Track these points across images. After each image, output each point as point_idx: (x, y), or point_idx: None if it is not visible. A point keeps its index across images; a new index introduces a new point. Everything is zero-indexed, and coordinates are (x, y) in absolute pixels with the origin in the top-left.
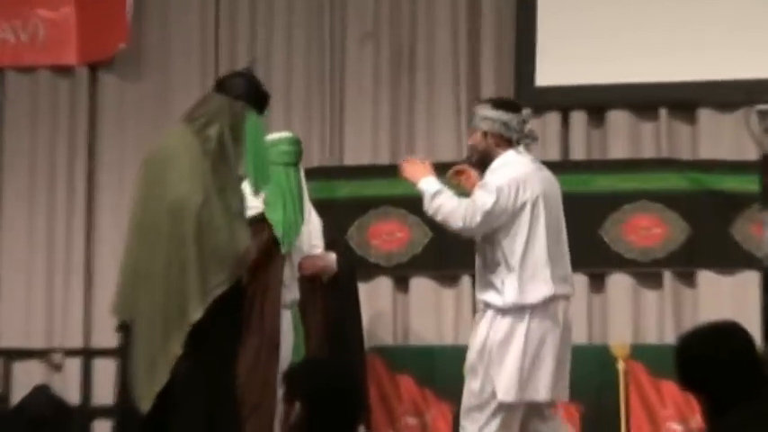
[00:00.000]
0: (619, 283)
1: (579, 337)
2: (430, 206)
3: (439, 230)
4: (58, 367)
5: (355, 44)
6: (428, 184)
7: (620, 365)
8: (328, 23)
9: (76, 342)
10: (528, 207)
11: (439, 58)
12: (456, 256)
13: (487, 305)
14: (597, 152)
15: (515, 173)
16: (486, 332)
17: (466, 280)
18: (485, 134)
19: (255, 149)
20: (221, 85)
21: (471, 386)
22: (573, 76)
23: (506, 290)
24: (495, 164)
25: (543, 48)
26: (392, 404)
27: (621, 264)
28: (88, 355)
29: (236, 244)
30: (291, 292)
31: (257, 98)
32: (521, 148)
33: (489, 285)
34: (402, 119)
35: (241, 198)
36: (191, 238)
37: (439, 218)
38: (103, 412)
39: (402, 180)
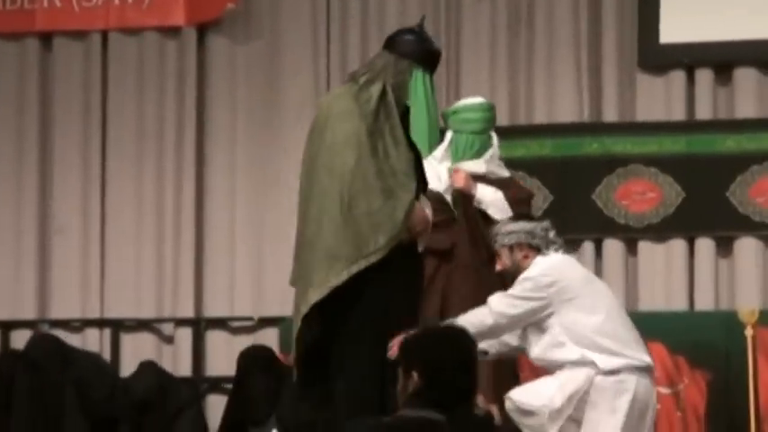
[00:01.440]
0: (747, 246)
1: (706, 303)
2: None
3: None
4: (168, 339)
5: (472, 1)
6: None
7: (749, 331)
8: None
9: (187, 312)
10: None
11: (558, 17)
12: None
13: None
14: (724, 112)
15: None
16: None
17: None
18: (511, 249)
19: (425, 108)
20: (389, 43)
21: None
22: (698, 32)
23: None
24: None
25: (667, 3)
26: None
27: (751, 227)
28: (199, 325)
29: (394, 209)
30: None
31: (426, 56)
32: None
33: None
34: (521, 80)
35: (408, 159)
36: (341, 203)
37: None
38: (216, 383)
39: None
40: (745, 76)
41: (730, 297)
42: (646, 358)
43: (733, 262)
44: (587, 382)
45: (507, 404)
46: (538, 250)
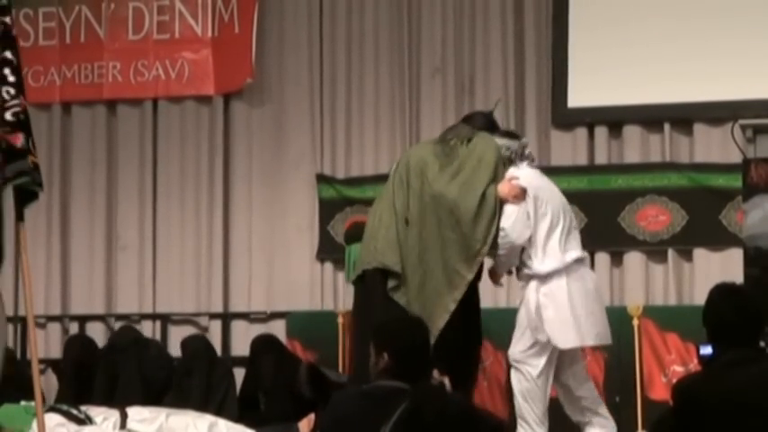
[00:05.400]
0: (633, 258)
1: (603, 300)
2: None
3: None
4: (204, 328)
5: (428, 76)
6: None
7: (635, 322)
8: (407, 60)
9: (218, 308)
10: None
11: (492, 87)
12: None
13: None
14: (616, 158)
15: (526, 181)
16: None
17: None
18: None
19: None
20: (468, 118)
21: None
22: (597, 99)
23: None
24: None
25: (573, 78)
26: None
27: (635, 244)
28: (226, 318)
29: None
30: None
31: (493, 132)
32: (523, 165)
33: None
34: None
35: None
36: (453, 226)
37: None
38: (238, 362)
39: None
40: (631, 132)
41: (621, 296)
42: None
43: (623, 270)
44: None
45: None
46: (511, 162)
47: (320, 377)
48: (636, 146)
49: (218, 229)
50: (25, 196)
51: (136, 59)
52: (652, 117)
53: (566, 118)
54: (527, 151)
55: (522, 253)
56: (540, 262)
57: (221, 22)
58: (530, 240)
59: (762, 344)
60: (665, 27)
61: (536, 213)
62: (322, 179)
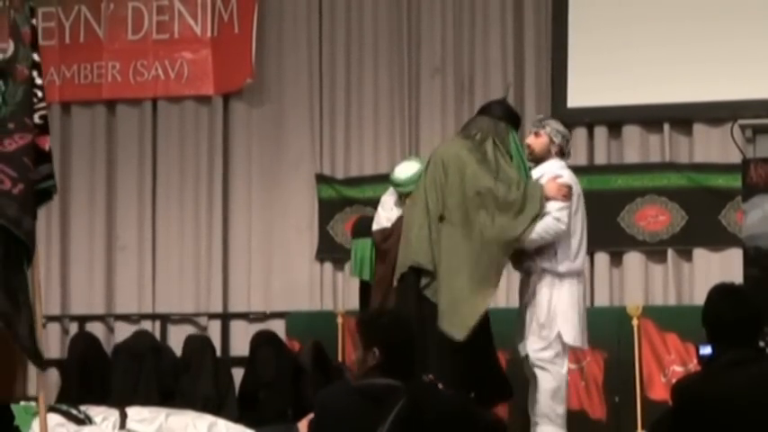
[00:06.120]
0: (633, 258)
1: (603, 300)
2: (544, 237)
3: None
4: (203, 328)
5: (427, 76)
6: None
7: (635, 322)
8: (406, 61)
9: (217, 308)
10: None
11: (492, 87)
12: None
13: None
14: (615, 158)
15: (570, 181)
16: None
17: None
18: (552, 141)
19: (520, 157)
20: (485, 109)
21: None
22: (596, 99)
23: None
24: (554, 167)
25: (572, 79)
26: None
27: (635, 244)
28: (226, 317)
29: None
30: None
31: (513, 119)
32: (567, 160)
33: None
34: None
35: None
36: (492, 217)
37: (551, 234)
38: (237, 361)
39: None
40: (631, 132)
41: (621, 296)
42: None
43: (622, 270)
44: None
45: None
46: (563, 155)
47: (324, 355)
48: (635, 146)
49: (217, 230)
50: (40, 197)
51: (135, 59)
52: (651, 117)
53: (565, 118)
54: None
55: (546, 248)
56: (562, 261)
57: (221, 22)
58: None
59: (761, 344)
60: (664, 28)
61: (574, 212)
62: (321, 179)
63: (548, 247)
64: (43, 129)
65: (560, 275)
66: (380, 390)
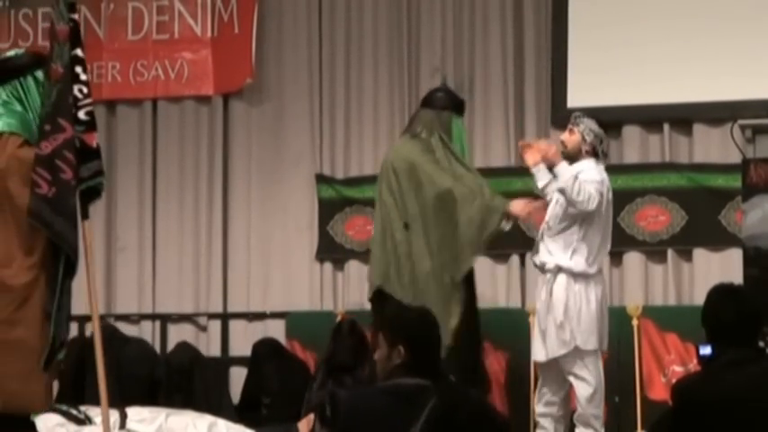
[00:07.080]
0: (633, 258)
1: None
2: (573, 187)
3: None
4: (203, 328)
5: (427, 76)
6: (564, 168)
7: (635, 322)
8: (406, 60)
9: (217, 308)
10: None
11: (492, 86)
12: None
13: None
14: (615, 158)
15: (601, 178)
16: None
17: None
18: (584, 140)
19: (462, 144)
20: (427, 101)
21: None
22: (596, 99)
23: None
24: (584, 166)
25: (572, 79)
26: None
27: (635, 244)
28: (225, 317)
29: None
30: None
31: (457, 105)
32: (600, 161)
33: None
34: None
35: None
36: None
37: (580, 197)
38: (237, 361)
39: None
40: (631, 132)
41: (620, 296)
42: None
43: (622, 270)
44: None
45: None
46: (596, 155)
47: (361, 333)
48: (635, 146)
49: (217, 229)
50: (89, 195)
51: (135, 59)
52: (651, 117)
53: (565, 118)
54: (605, 147)
55: (565, 245)
56: (578, 259)
57: (221, 22)
58: (581, 231)
59: (761, 344)
60: (664, 27)
61: (605, 208)
62: (321, 179)
63: (566, 246)
64: (90, 125)
65: (576, 275)
66: (410, 390)
